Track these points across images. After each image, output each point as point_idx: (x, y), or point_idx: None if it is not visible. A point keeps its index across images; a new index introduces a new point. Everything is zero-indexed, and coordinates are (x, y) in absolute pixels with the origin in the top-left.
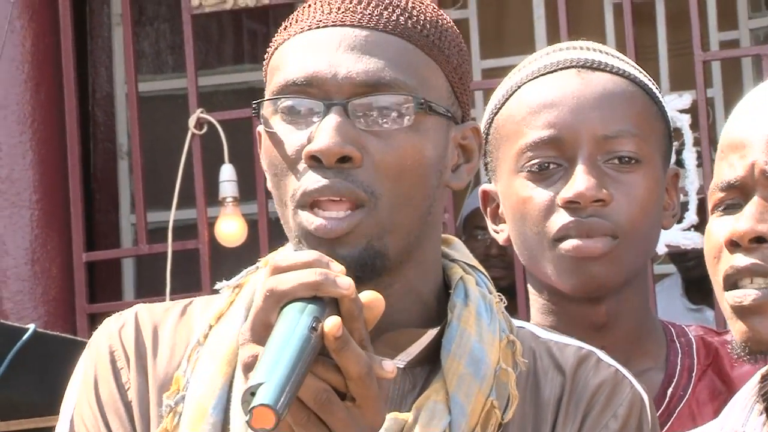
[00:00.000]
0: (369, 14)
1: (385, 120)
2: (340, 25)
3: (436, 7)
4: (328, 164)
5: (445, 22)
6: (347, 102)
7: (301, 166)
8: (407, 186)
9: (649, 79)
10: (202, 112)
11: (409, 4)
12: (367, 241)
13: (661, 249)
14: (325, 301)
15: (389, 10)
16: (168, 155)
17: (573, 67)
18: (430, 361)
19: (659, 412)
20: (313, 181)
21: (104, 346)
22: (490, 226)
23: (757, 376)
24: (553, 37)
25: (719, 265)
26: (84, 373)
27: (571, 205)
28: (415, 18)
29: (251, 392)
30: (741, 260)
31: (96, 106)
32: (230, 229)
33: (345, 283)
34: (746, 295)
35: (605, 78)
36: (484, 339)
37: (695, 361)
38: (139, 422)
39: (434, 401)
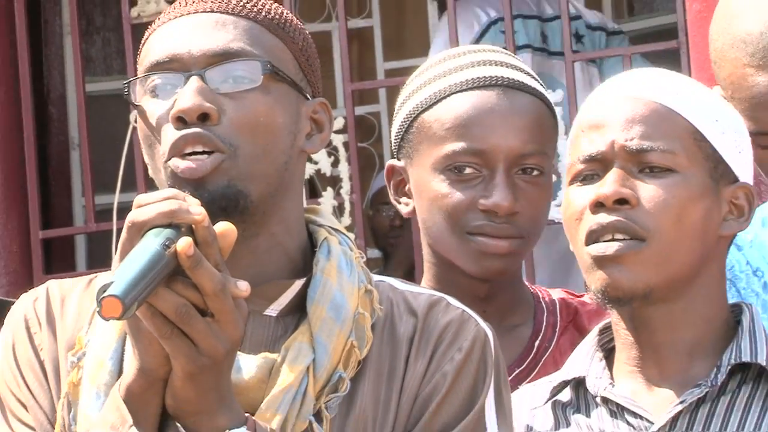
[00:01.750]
0: (219, 2)
1: (237, 83)
2: (194, 13)
3: (279, 6)
4: (191, 121)
5: (288, 14)
6: (203, 71)
7: (168, 128)
8: (262, 139)
9: (545, 89)
10: None
11: None
12: (228, 180)
13: None
14: (181, 228)
15: None
16: (114, 146)
17: (499, 85)
18: (299, 310)
19: (528, 361)
20: (178, 135)
21: (20, 316)
22: (393, 196)
23: (596, 330)
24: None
25: (581, 225)
26: (4, 340)
27: (488, 212)
28: (260, 5)
29: (104, 290)
30: (605, 218)
31: (51, 105)
32: None
33: (197, 210)
34: (608, 246)
35: (525, 100)
36: (344, 288)
37: (558, 318)
38: (52, 379)
39: (300, 342)
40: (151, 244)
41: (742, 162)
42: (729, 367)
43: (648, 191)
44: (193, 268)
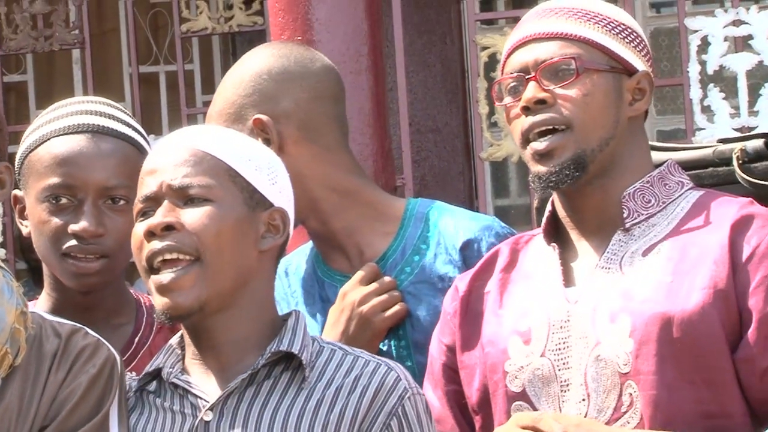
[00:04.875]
0: None
1: None
2: None
3: None
4: None
5: None
6: None
7: None
8: None
9: (142, 136)
10: None
11: None
12: None
13: None
14: None
15: None
16: None
17: (89, 131)
18: None
19: (128, 354)
20: None
21: None
22: (18, 220)
23: (183, 330)
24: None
25: (142, 253)
26: None
27: (77, 235)
28: None
29: None
30: (158, 245)
31: None
32: None
33: None
34: (163, 277)
35: (110, 143)
36: (4, 306)
37: (155, 320)
38: None
39: None
40: None
41: (275, 191)
42: (270, 356)
43: (189, 217)
44: None
